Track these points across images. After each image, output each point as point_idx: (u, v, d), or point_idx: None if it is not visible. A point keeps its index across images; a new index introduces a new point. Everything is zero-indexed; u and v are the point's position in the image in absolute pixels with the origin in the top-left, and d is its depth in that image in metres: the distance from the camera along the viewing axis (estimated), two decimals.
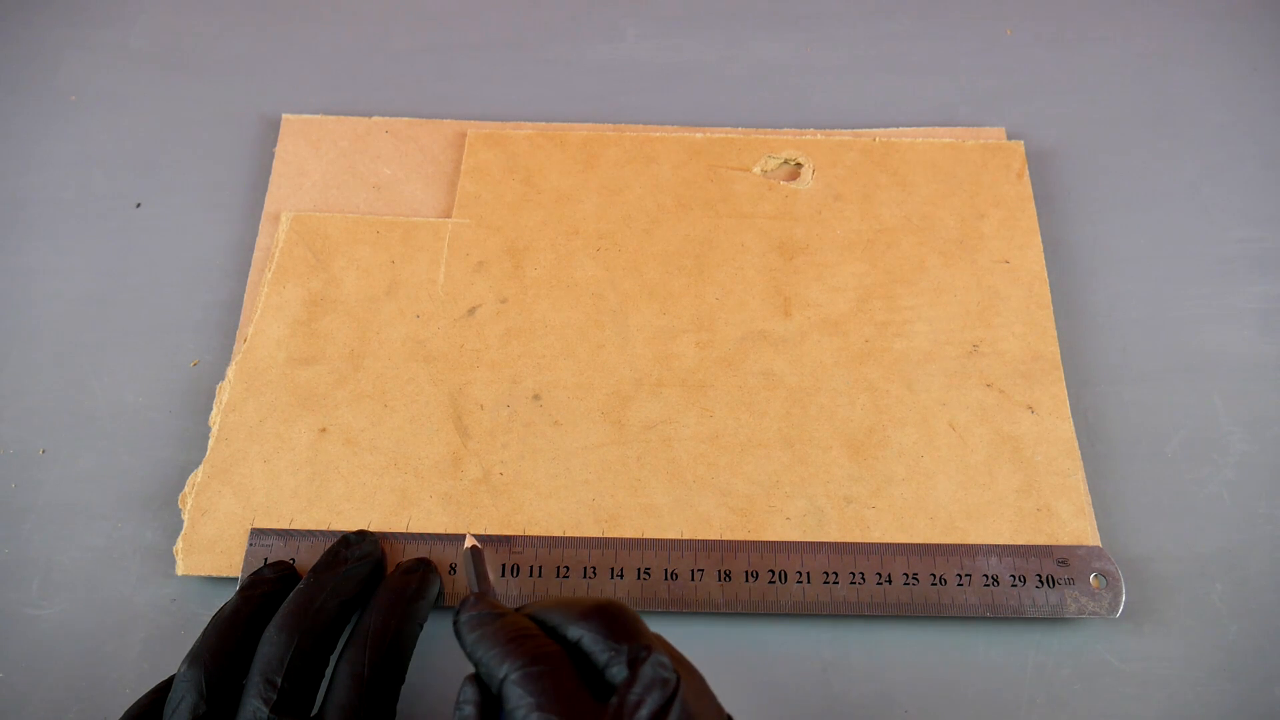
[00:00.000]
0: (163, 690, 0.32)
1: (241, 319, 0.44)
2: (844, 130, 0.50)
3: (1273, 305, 0.45)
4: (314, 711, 0.32)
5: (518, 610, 0.31)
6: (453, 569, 0.37)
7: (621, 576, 0.37)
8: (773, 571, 0.37)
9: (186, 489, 0.39)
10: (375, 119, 0.50)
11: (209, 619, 0.33)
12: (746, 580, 0.37)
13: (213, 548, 0.38)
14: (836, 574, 0.37)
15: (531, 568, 0.37)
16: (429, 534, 0.38)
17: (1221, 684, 0.37)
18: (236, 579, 0.37)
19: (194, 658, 0.32)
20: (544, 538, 0.38)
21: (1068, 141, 0.50)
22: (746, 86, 0.53)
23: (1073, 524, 0.39)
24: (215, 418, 0.41)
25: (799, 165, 0.48)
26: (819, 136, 0.49)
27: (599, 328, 0.44)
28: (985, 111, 0.52)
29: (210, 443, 0.40)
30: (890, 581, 0.37)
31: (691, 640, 0.31)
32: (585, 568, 0.37)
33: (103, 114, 0.51)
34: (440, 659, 0.36)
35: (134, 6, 0.55)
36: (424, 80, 0.53)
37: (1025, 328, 0.44)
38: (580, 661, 0.29)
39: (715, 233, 0.46)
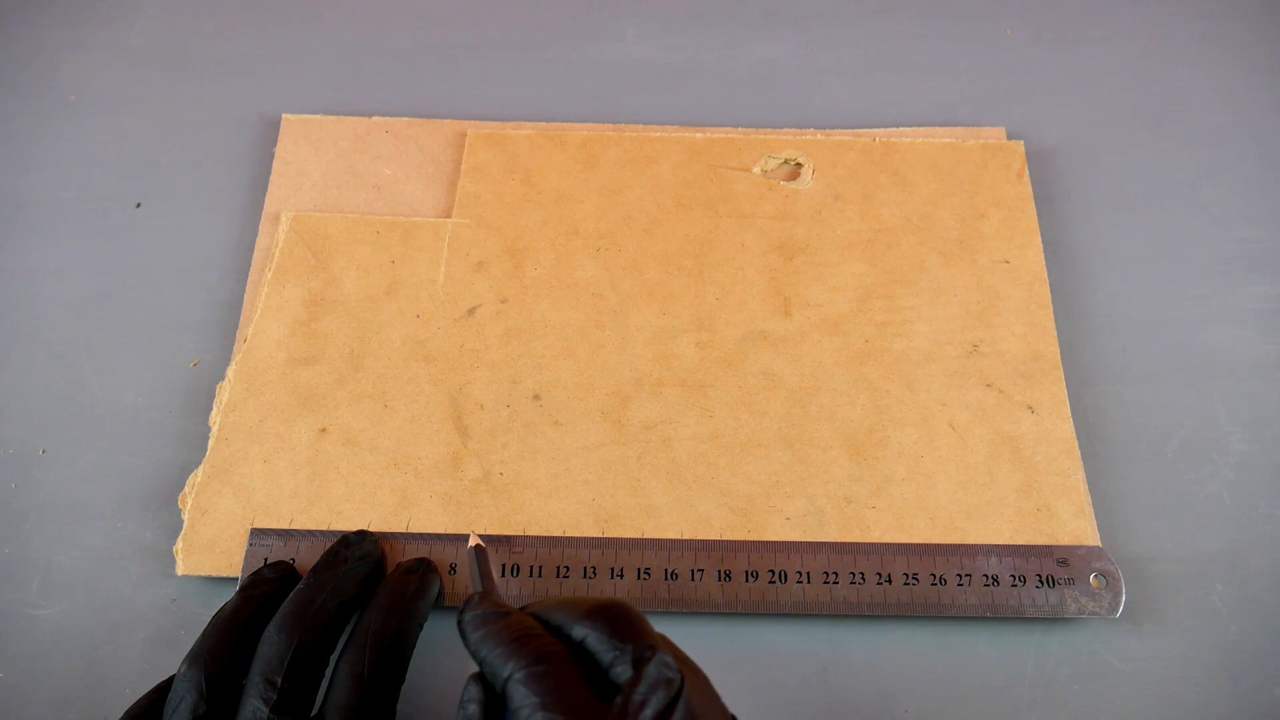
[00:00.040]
0: (163, 690, 0.32)
1: (241, 319, 0.44)
2: (844, 130, 0.50)
3: (1273, 305, 0.45)
4: (314, 711, 0.32)
5: (522, 609, 0.31)
6: (453, 569, 0.37)
7: (621, 576, 0.37)
8: (773, 571, 0.37)
9: (186, 489, 0.39)
10: (375, 119, 0.50)
11: (209, 619, 0.33)
12: (746, 580, 0.37)
13: (213, 548, 0.38)
14: (836, 574, 0.37)
15: (531, 568, 0.37)
16: (429, 534, 0.38)
17: (1221, 684, 0.37)
18: (236, 579, 0.37)
19: (194, 658, 0.32)
20: (544, 538, 0.38)
21: (1068, 141, 0.50)
22: (746, 86, 0.53)
23: (1073, 524, 0.39)
24: (215, 418, 0.41)
25: (799, 165, 0.48)
26: (819, 136, 0.49)
27: (599, 328, 0.44)
28: (985, 111, 0.52)
29: (210, 443, 0.40)
30: (890, 581, 0.37)
31: (691, 640, 0.31)
32: (585, 568, 0.37)
33: (103, 114, 0.51)
34: (440, 659, 0.36)
35: (134, 6, 0.55)
36: (424, 80, 0.53)
37: (1025, 328, 0.44)
38: (585, 661, 0.28)
39: (715, 233, 0.46)
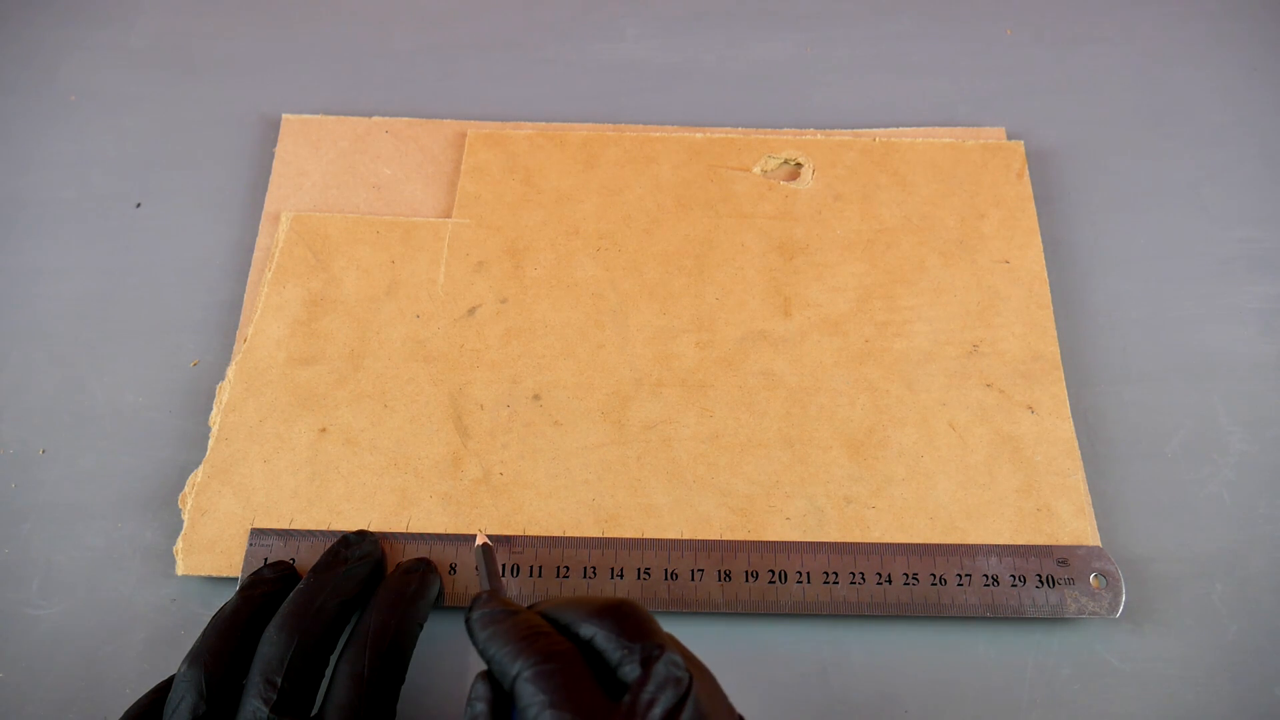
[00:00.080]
0: (163, 690, 0.32)
1: (241, 319, 0.44)
2: (844, 130, 0.50)
3: (1273, 305, 0.45)
4: (314, 711, 0.32)
5: (530, 608, 0.31)
6: (453, 569, 0.37)
7: (621, 576, 0.37)
8: (773, 571, 0.37)
9: (186, 489, 0.39)
10: (375, 119, 0.50)
11: (209, 619, 0.33)
12: (746, 580, 0.37)
13: (213, 548, 0.38)
14: (836, 574, 0.37)
15: (531, 568, 0.37)
16: (429, 534, 0.38)
17: (1221, 684, 0.37)
18: (236, 579, 0.37)
19: (194, 658, 0.32)
20: (544, 538, 0.38)
21: (1068, 141, 0.50)
22: (746, 86, 0.53)
23: (1073, 524, 0.39)
24: (215, 418, 0.41)
25: (799, 165, 0.48)
26: (819, 136, 0.49)
27: (599, 328, 0.44)
28: (985, 111, 0.52)
29: (210, 443, 0.40)
30: (890, 581, 0.37)
31: (692, 640, 0.31)
32: (585, 568, 0.37)
33: (103, 114, 0.51)
34: (441, 659, 0.37)
35: (134, 6, 0.55)
36: (424, 80, 0.53)
37: (1025, 328, 0.44)
38: (593, 660, 0.28)
39: (715, 233, 0.46)
